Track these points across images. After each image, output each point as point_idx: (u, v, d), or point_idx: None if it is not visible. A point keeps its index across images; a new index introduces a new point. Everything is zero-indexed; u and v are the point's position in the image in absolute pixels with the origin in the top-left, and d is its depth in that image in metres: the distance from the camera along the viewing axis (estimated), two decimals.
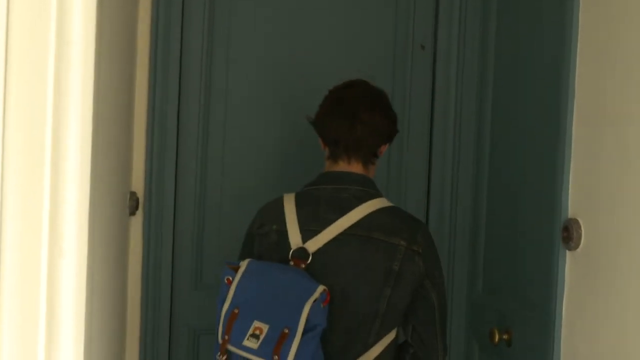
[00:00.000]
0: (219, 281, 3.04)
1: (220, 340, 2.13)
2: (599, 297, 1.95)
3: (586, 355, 2.02)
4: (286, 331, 2.03)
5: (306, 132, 3.02)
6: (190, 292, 3.03)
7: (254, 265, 2.19)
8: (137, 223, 2.95)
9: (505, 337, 2.52)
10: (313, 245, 2.19)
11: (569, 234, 2.08)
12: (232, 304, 2.14)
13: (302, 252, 2.18)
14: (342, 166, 2.30)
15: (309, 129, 2.82)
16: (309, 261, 2.17)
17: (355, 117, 2.27)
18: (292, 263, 2.17)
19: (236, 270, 2.19)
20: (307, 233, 2.21)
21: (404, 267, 2.18)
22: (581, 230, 2.05)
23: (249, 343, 2.07)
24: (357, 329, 2.18)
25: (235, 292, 2.15)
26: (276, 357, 2.02)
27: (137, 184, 2.94)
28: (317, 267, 2.16)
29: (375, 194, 2.27)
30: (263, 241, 2.30)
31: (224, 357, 2.13)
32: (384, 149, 2.37)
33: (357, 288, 2.18)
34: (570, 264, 2.12)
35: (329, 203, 2.25)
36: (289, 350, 2.01)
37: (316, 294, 2.06)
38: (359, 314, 2.18)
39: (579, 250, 2.06)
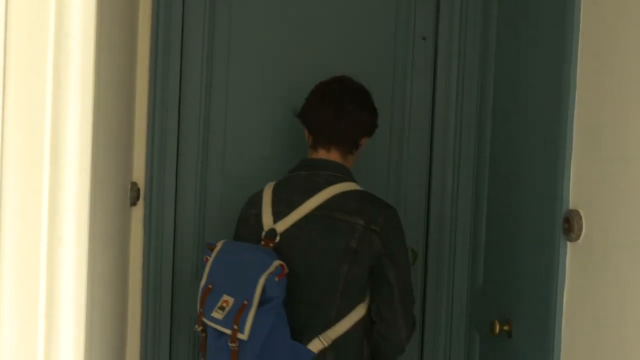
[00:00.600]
0: None
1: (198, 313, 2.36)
2: (599, 289, 1.95)
3: (586, 346, 2.02)
4: (245, 303, 2.21)
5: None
6: (191, 282, 3.03)
7: (227, 245, 2.41)
8: (138, 213, 2.96)
9: (505, 328, 2.52)
10: (282, 226, 2.37)
11: (570, 225, 2.08)
12: (208, 280, 2.36)
13: (271, 233, 2.37)
14: (321, 154, 2.48)
15: None
16: (277, 240, 2.35)
17: (341, 108, 2.46)
18: (262, 243, 2.36)
19: (213, 250, 2.41)
20: (278, 215, 2.40)
21: (361, 245, 2.32)
22: (582, 222, 2.05)
23: (216, 314, 2.27)
24: (319, 302, 2.35)
25: (210, 269, 2.37)
26: (235, 326, 2.20)
27: (138, 174, 2.94)
28: (285, 246, 2.35)
29: (346, 179, 2.44)
30: (244, 225, 2.50)
31: (200, 328, 2.36)
32: (364, 142, 2.53)
33: (318, 264, 2.35)
34: (571, 255, 2.12)
35: (301, 187, 2.43)
36: (246, 320, 2.19)
37: (271, 268, 2.22)
38: (320, 288, 2.35)
39: (579, 241, 2.06)
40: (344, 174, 2.44)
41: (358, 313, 2.38)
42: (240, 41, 3.03)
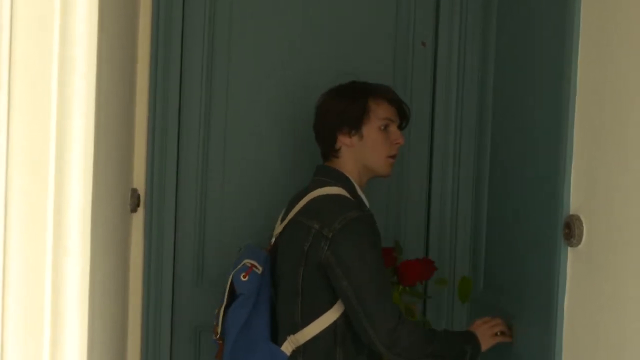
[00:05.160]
0: (220, 277, 3.06)
1: None
2: (600, 294, 1.95)
3: (588, 351, 2.02)
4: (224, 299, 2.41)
5: (306, 128, 3.02)
6: (192, 289, 3.03)
7: (245, 248, 2.53)
8: (138, 220, 2.96)
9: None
10: (277, 231, 2.50)
11: (571, 230, 2.08)
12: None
13: (271, 238, 2.52)
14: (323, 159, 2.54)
15: (308, 125, 2.84)
16: (271, 244, 2.49)
17: (318, 106, 2.55)
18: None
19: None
20: (282, 221, 2.50)
21: (311, 249, 2.32)
22: (583, 227, 2.05)
23: (217, 310, 2.46)
24: (287, 305, 2.41)
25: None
26: (215, 321, 2.43)
27: (139, 180, 2.94)
28: (275, 250, 2.48)
29: (328, 183, 2.43)
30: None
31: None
32: (345, 138, 2.46)
33: (284, 267, 2.43)
34: (572, 260, 2.12)
35: (300, 194, 2.48)
36: (219, 316, 2.41)
37: (239, 267, 2.39)
38: (286, 291, 2.41)
39: (580, 246, 2.06)
40: (330, 178, 2.45)
41: (327, 319, 2.34)
42: (240, 46, 3.03)
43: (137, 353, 2.98)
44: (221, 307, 2.42)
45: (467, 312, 3.02)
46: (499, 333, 2.46)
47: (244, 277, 2.36)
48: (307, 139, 3.06)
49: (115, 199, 2.28)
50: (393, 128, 2.48)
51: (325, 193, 2.41)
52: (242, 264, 2.40)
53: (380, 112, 2.46)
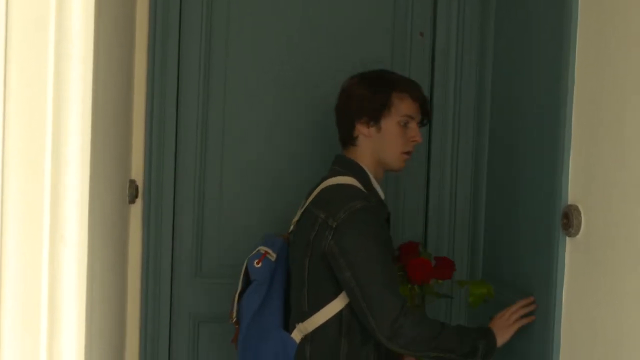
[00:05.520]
0: (218, 269, 3.07)
1: None
2: (599, 284, 1.96)
3: (586, 342, 2.02)
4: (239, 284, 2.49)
5: (303, 115, 3.03)
6: (190, 280, 3.03)
7: (265, 236, 2.59)
8: (136, 211, 2.96)
9: None
10: (294, 220, 2.50)
11: (569, 220, 2.08)
12: None
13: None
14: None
15: (306, 112, 2.83)
16: (289, 232, 2.51)
17: (339, 95, 2.52)
18: None
19: None
20: (300, 211, 2.50)
21: (316, 239, 2.31)
22: (581, 217, 2.05)
23: (233, 295, 2.52)
24: (296, 292, 2.42)
25: None
26: (231, 306, 2.49)
27: (137, 172, 2.94)
28: (291, 239, 2.49)
29: (342, 172, 2.42)
30: None
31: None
32: (363, 128, 2.43)
33: (295, 255, 2.43)
34: (570, 250, 2.12)
35: (317, 183, 2.47)
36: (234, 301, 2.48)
37: (253, 253, 2.47)
38: (295, 279, 2.43)
39: (578, 236, 2.06)
40: (344, 168, 2.43)
41: (332, 309, 2.34)
42: (238, 38, 3.03)
43: (136, 344, 2.99)
44: (236, 292, 2.47)
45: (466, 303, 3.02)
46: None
47: (257, 263, 2.42)
48: (304, 125, 3.07)
49: (113, 190, 2.28)
50: (412, 125, 2.44)
51: (335, 183, 2.40)
52: (256, 250, 2.46)
53: (402, 107, 2.42)
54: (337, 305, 2.34)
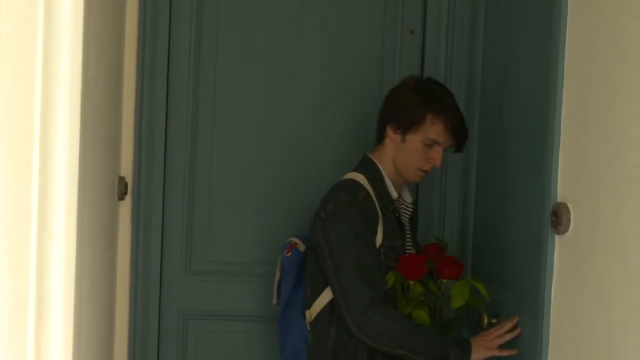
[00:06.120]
0: (207, 265, 3.07)
1: None
2: (587, 282, 1.96)
3: (574, 339, 2.03)
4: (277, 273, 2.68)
5: (293, 112, 3.02)
6: (179, 277, 3.03)
7: None
8: (126, 208, 2.95)
9: (494, 321, 2.53)
10: None
11: (558, 218, 2.08)
12: None
13: None
14: None
15: (296, 109, 2.81)
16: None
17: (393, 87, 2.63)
18: None
19: None
20: None
21: (312, 230, 2.47)
22: (570, 215, 2.05)
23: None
24: (305, 281, 2.57)
25: None
26: (275, 292, 2.69)
27: (126, 168, 2.93)
28: None
29: (355, 169, 2.55)
30: None
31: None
32: (391, 132, 2.51)
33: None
34: (559, 248, 2.12)
35: None
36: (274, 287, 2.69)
37: (285, 243, 2.64)
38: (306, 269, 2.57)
39: (567, 234, 2.07)
40: (360, 165, 2.55)
41: (324, 299, 2.46)
42: (228, 35, 3.02)
43: (125, 340, 2.98)
44: (275, 279, 2.67)
45: None
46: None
47: (287, 253, 2.60)
48: (294, 126, 3.06)
49: (102, 187, 2.27)
50: (437, 148, 2.50)
51: (343, 178, 2.53)
52: (288, 240, 2.64)
53: (431, 130, 2.47)
54: (327, 295, 2.45)
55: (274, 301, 2.69)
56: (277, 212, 3.05)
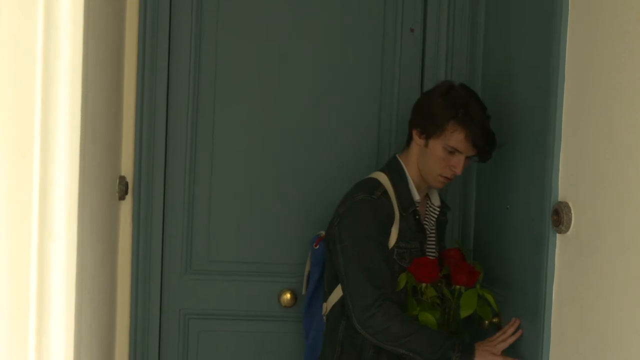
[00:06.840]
0: (208, 264, 3.07)
1: None
2: (588, 280, 1.96)
3: (575, 338, 2.03)
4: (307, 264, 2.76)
5: (293, 112, 3.02)
6: (180, 276, 3.03)
7: None
8: (126, 207, 2.95)
9: (495, 320, 2.53)
10: None
11: (559, 217, 2.08)
12: None
13: None
14: None
15: (296, 109, 2.80)
16: None
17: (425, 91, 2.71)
18: None
19: None
20: None
21: (331, 226, 2.52)
22: (571, 214, 2.05)
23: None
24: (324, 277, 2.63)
25: None
26: (304, 283, 2.76)
27: (127, 168, 2.93)
28: None
29: (381, 169, 2.60)
30: None
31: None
32: (416, 135, 2.54)
33: None
34: (560, 247, 2.12)
35: None
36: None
37: (314, 236, 2.71)
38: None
39: (569, 233, 2.06)
40: (386, 165, 2.61)
41: (337, 293, 2.52)
42: (228, 35, 3.02)
43: (126, 339, 2.98)
44: (304, 270, 2.75)
45: None
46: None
47: (315, 245, 2.65)
48: (294, 126, 3.06)
49: (103, 187, 2.27)
50: (458, 156, 2.49)
51: (367, 177, 2.58)
52: (317, 234, 2.69)
53: (451, 138, 2.47)
54: (340, 290, 2.50)
55: (303, 292, 2.76)
56: (277, 212, 3.05)
